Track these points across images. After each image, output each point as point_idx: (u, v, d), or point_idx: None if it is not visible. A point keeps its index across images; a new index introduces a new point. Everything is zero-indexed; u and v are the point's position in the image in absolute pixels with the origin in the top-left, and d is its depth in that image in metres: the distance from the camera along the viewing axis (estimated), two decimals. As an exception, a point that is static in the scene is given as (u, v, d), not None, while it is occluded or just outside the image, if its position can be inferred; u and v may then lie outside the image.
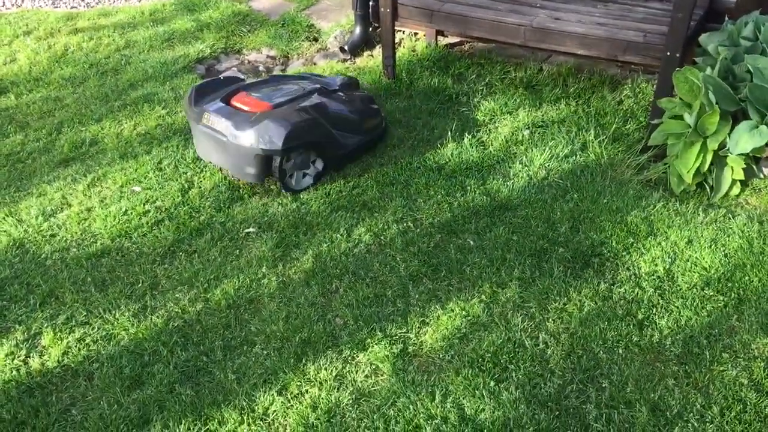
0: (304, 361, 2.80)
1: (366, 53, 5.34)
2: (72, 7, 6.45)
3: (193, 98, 3.85)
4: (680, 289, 3.07)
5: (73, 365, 2.81)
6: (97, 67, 5.17)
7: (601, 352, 2.78)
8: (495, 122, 4.30)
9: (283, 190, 3.75)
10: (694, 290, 3.05)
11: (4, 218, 3.61)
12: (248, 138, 3.56)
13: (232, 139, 3.60)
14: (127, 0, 6.57)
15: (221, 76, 4.21)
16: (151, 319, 3.01)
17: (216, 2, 6.17)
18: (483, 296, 3.07)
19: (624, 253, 3.27)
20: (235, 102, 3.79)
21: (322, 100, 3.87)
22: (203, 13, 5.99)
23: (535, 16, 4.20)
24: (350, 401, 2.63)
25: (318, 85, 4.02)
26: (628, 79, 4.66)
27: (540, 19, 4.16)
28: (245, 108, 3.72)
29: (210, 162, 3.92)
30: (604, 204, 3.55)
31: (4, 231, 3.52)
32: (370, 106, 4.13)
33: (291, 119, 3.61)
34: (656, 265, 3.19)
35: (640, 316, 2.94)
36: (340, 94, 4.04)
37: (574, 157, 3.92)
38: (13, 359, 2.83)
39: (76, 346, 2.88)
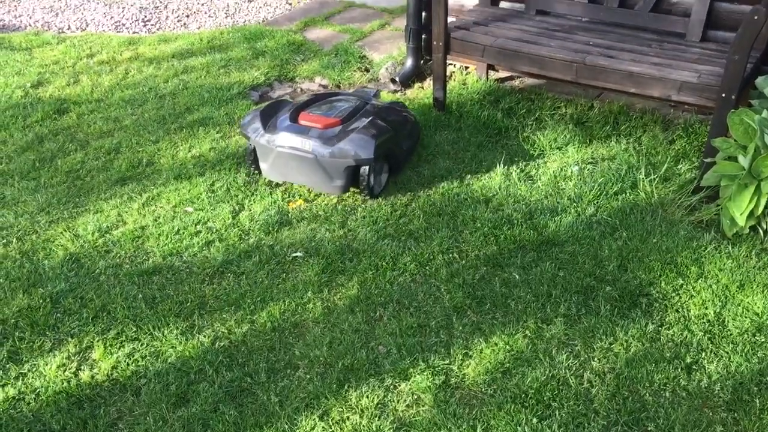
0: (346, 387, 2.81)
1: (417, 85, 5.40)
2: (134, 32, 6.69)
3: (261, 123, 4.00)
4: (731, 334, 3.00)
5: (121, 380, 2.87)
6: (156, 91, 5.34)
7: (647, 394, 2.74)
8: (544, 157, 4.30)
9: (369, 197, 3.96)
10: (745, 336, 2.99)
11: (62, 233, 3.73)
12: (339, 152, 3.77)
13: (320, 156, 3.78)
14: (187, 27, 6.79)
15: (272, 101, 4.36)
16: (198, 338, 3.06)
17: (272, 31, 6.33)
18: (527, 331, 3.05)
19: (673, 295, 3.22)
20: (303, 121, 3.95)
21: (381, 110, 4.13)
22: (259, 41, 6.15)
23: (588, 54, 4.21)
24: (391, 430, 2.63)
25: (362, 99, 4.28)
26: (681, 119, 4.62)
27: (593, 57, 4.17)
28: (317, 125, 3.90)
29: (286, 181, 4.07)
30: (654, 244, 3.51)
31: (62, 245, 3.64)
32: (407, 111, 4.42)
33: (372, 131, 3.85)
34: (706, 308, 3.13)
35: (688, 360, 2.89)
36: (383, 103, 4.32)
37: (623, 195, 3.90)
38: (64, 371, 2.91)
39: (125, 361, 2.95)
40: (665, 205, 3.82)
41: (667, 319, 3.09)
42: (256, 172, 4.18)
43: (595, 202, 3.85)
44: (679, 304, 3.17)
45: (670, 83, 3.91)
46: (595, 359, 2.90)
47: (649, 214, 3.75)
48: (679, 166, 4.12)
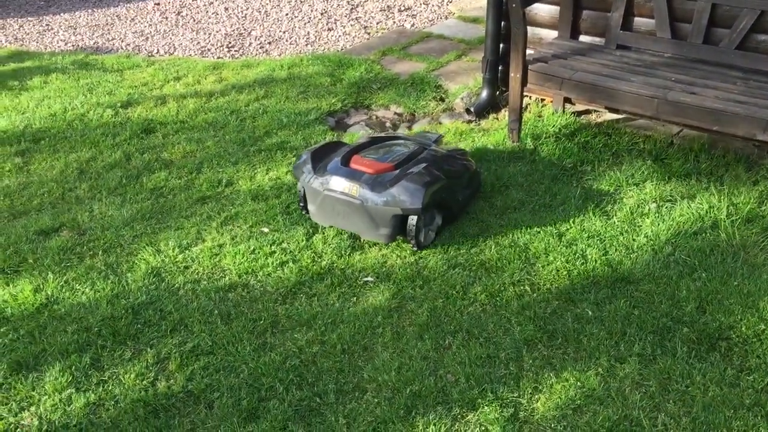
0: (413, 414, 2.82)
1: (491, 116, 5.42)
2: (218, 57, 6.96)
3: (312, 165, 3.92)
4: (816, 385, 2.88)
5: (195, 392, 2.95)
6: (237, 114, 5.52)
7: (725, 441, 2.64)
8: (620, 193, 4.24)
9: (415, 248, 3.80)
10: (833, 387, 2.86)
11: (144, 247, 3.89)
12: (387, 199, 3.66)
13: (367, 202, 3.69)
14: (268, 53, 7.02)
15: (327, 142, 4.28)
16: (270, 355, 3.13)
17: (350, 60, 6.47)
18: (600, 369, 2.99)
19: (754, 340, 3.11)
20: (354, 165, 3.86)
21: (438, 157, 3.99)
22: (337, 69, 6.29)
23: (670, 90, 4.15)
24: (457, 460, 2.62)
25: (421, 144, 4.13)
26: (765, 159, 4.48)
27: (674, 93, 4.11)
28: (368, 170, 3.79)
29: (332, 226, 3.94)
30: (735, 286, 3.40)
31: (144, 259, 3.79)
32: (468, 159, 4.24)
33: (424, 179, 3.70)
34: (790, 355, 3.01)
35: (770, 408, 2.78)
36: (443, 150, 4.18)
37: (703, 234, 3.80)
38: (142, 380, 3.02)
39: (199, 374, 3.03)
40: (747, 248, 3.70)
41: (747, 365, 2.98)
42: (305, 214, 4.08)
43: (673, 240, 3.77)
44: (760, 349, 3.06)
45: (755, 122, 3.82)
46: (671, 401, 2.82)
47: (730, 255, 3.64)
48: (762, 208, 4.00)
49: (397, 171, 3.79)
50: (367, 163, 3.85)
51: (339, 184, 3.78)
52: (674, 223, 3.89)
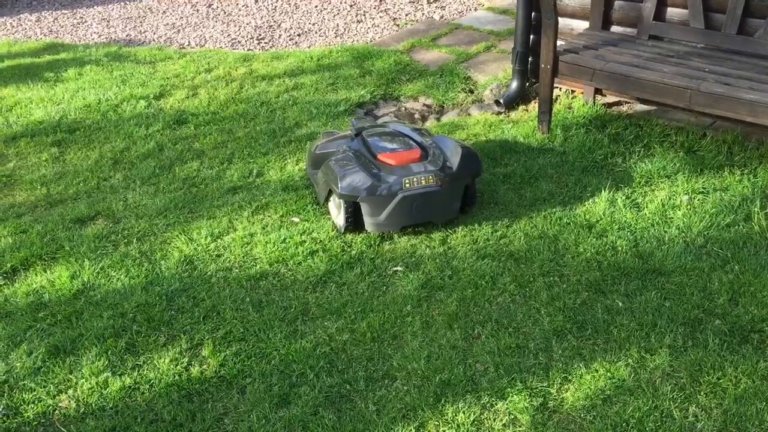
0: (442, 401, 2.84)
1: (521, 107, 5.40)
2: (249, 50, 7.01)
3: (372, 178, 3.74)
4: None
5: (228, 377, 3.01)
6: (267, 105, 5.57)
7: (757, 433, 2.63)
8: (651, 185, 4.21)
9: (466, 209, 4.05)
10: None
11: (177, 236, 3.95)
12: (458, 174, 3.85)
13: (445, 184, 3.77)
14: (298, 45, 7.06)
15: (322, 153, 4.17)
16: (301, 342, 3.17)
17: (379, 51, 6.48)
18: (630, 360, 2.99)
19: (788, 333, 3.08)
20: (389, 160, 3.85)
21: (419, 130, 4.32)
22: (366, 60, 6.31)
23: (703, 80, 4.10)
24: (486, 448, 2.63)
25: (391, 126, 4.36)
26: (801, 151, 4.42)
27: (708, 84, 4.06)
28: (415, 157, 3.88)
29: (408, 225, 3.87)
30: (768, 279, 3.37)
31: (177, 248, 3.85)
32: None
33: (463, 147, 4.00)
34: (825, 349, 2.98)
35: (803, 402, 2.75)
36: (401, 125, 4.50)
37: (736, 227, 3.76)
38: (176, 365, 3.08)
39: (232, 360, 3.09)
40: (781, 240, 3.66)
41: (780, 358, 2.96)
42: (348, 232, 3.89)
43: (705, 233, 3.73)
44: (794, 343, 3.03)
45: (791, 113, 3.76)
46: (702, 393, 2.81)
47: (764, 248, 3.60)
48: (797, 200, 3.94)
49: (425, 151, 3.98)
50: (399, 156, 3.89)
51: (413, 181, 3.74)
52: (706, 215, 3.85)
